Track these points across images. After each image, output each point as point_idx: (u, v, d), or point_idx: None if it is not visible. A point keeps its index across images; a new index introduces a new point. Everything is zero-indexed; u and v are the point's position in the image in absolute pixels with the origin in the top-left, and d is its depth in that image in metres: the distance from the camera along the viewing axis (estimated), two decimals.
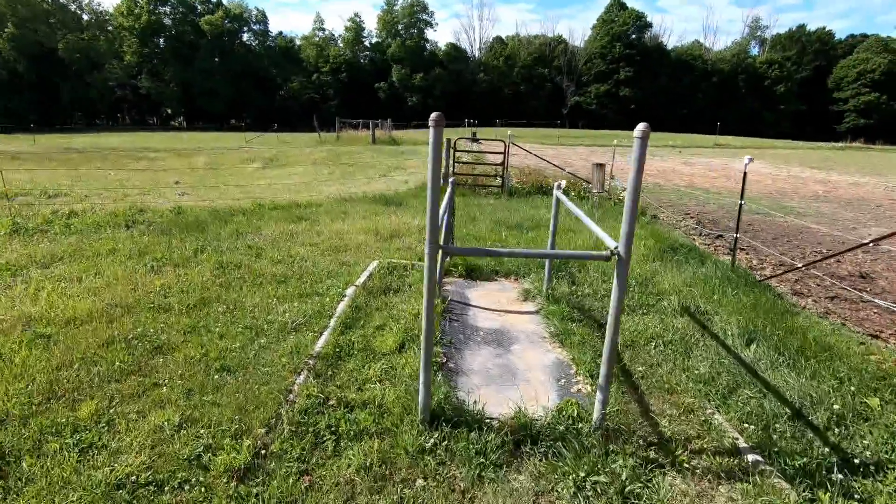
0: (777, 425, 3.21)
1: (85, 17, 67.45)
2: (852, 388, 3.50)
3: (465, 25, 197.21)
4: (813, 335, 4.24)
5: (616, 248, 2.81)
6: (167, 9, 72.23)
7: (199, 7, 74.46)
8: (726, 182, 18.03)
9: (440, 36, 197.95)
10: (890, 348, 4.43)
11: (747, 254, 7.95)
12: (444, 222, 5.14)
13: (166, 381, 3.42)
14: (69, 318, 4.27)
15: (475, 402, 3.38)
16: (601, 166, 7.88)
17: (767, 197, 15.09)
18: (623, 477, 2.69)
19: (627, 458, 2.82)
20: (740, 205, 5.94)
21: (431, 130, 2.63)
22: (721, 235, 9.17)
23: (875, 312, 5.61)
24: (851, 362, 3.87)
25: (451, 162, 13.19)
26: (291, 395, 3.35)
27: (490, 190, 13.24)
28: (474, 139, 33.30)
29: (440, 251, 2.80)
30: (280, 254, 6.45)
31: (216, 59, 71.97)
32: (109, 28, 69.90)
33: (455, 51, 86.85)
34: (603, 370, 3.02)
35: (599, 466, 2.76)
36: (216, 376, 3.50)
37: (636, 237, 7.86)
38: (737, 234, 6.03)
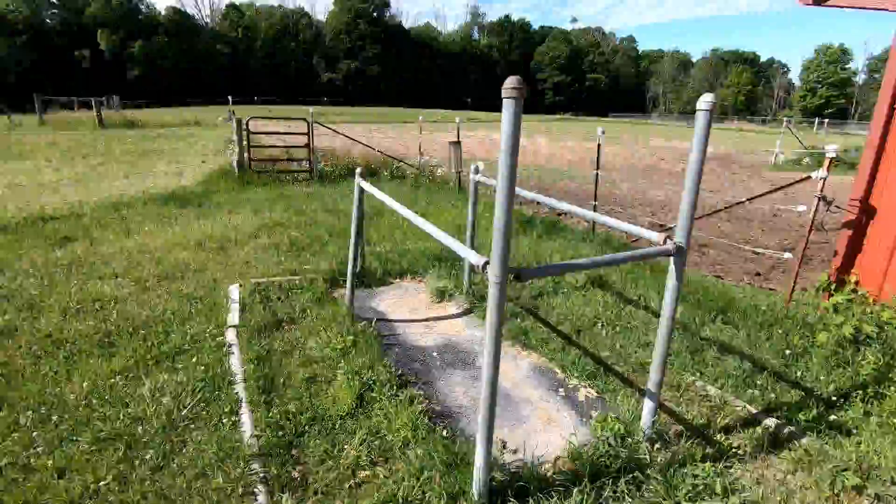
0: (758, 380, 3.44)
1: None
2: (780, 331, 4.02)
3: None
4: (718, 290, 4.77)
5: (676, 241, 2.46)
6: None
7: None
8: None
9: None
10: (780, 293, 5.29)
11: (578, 220, 8.78)
12: (354, 233, 4.07)
13: None
14: None
15: (505, 447, 2.71)
16: (457, 144, 7.53)
17: (535, 165, 17.27)
18: (717, 489, 2.44)
19: (698, 466, 2.59)
20: (596, 174, 6.38)
21: (508, 103, 1.78)
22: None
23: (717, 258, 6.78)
24: (760, 310, 4.45)
25: (245, 146, 11.10)
26: None
27: (296, 176, 11.70)
28: (231, 119, 29.51)
29: (510, 276, 1.99)
30: (72, 298, 4.26)
31: None
32: None
33: (180, 16, 74.83)
34: (654, 376, 2.70)
35: (691, 482, 2.45)
36: None
37: (486, 215, 7.87)
38: (595, 201, 6.49)
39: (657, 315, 4.33)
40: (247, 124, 10.99)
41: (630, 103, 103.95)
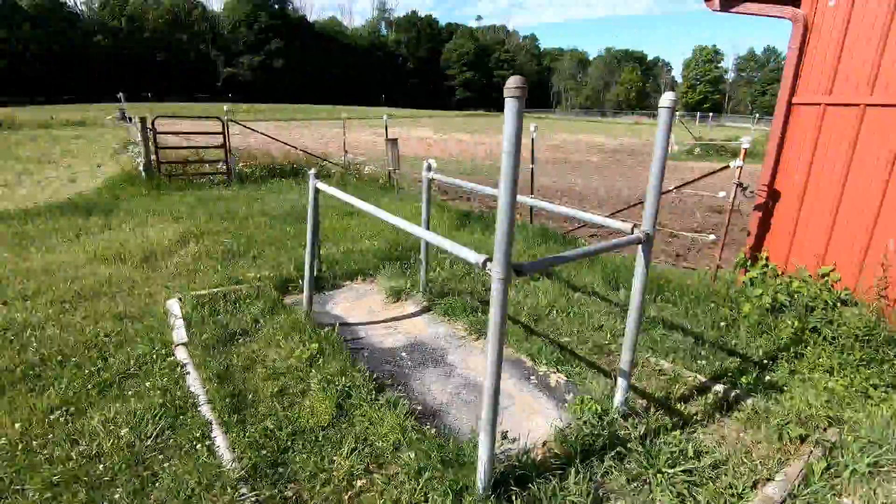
0: (702, 351, 3.79)
1: None
2: (711, 305, 4.44)
3: None
4: (652, 272, 5.16)
5: (644, 230, 2.65)
6: None
7: None
8: (420, 150, 20.07)
9: None
10: (700, 271, 5.74)
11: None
12: (311, 235, 3.90)
13: None
14: None
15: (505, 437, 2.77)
16: (394, 142, 7.37)
17: (462, 160, 17.56)
18: (690, 453, 2.67)
19: (670, 434, 2.82)
20: (532, 169, 6.64)
21: (511, 103, 1.81)
22: (468, 198, 10.16)
23: None
24: (692, 288, 4.87)
25: (151, 148, 10.16)
26: None
27: (212, 179, 10.93)
28: (124, 118, 27.03)
29: (513, 273, 2.03)
30: None
31: None
32: None
33: (49, 2, 66.36)
34: (626, 357, 2.89)
35: (668, 449, 2.66)
36: None
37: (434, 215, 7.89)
38: (532, 193, 6.75)
39: (603, 299, 4.62)
40: (153, 124, 10.07)
41: (535, 99, 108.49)
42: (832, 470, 2.60)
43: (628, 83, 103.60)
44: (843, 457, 2.67)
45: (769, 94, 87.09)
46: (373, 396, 3.05)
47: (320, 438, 2.73)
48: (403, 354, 3.75)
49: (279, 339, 3.72)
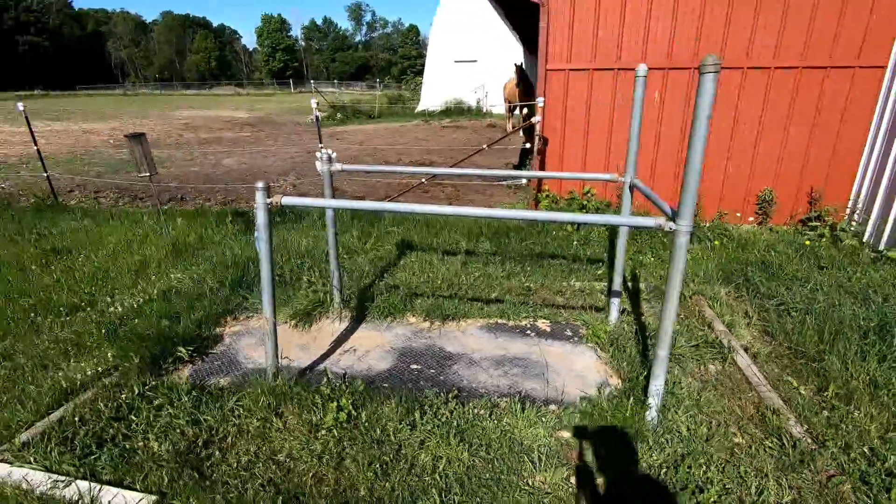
0: (577, 266, 4.88)
1: None
2: (553, 232, 5.58)
3: None
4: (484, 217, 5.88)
5: (630, 177, 3.32)
6: None
7: None
8: (51, 148, 14.33)
9: None
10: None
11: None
12: (267, 272, 2.80)
13: None
14: None
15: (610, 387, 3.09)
16: (140, 138, 4.89)
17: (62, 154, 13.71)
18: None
19: (646, 323, 3.79)
20: (321, 148, 6.14)
21: (709, 78, 2.10)
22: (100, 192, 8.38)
23: None
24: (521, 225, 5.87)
25: None
26: None
27: None
28: None
29: None
30: None
31: None
32: None
33: None
34: (618, 280, 3.60)
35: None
36: None
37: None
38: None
39: (471, 253, 5.17)
40: None
41: (94, 72, 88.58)
42: (713, 301, 4.12)
43: (204, 51, 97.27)
44: (707, 292, 4.25)
45: (338, 61, 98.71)
46: (473, 412, 2.78)
47: (482, 477, 2.39)
48: (414, 367, 3.35)
49: (267, 421, 2.70)
